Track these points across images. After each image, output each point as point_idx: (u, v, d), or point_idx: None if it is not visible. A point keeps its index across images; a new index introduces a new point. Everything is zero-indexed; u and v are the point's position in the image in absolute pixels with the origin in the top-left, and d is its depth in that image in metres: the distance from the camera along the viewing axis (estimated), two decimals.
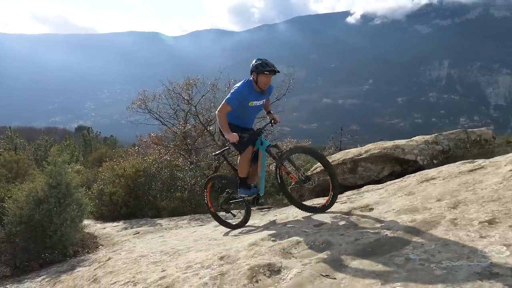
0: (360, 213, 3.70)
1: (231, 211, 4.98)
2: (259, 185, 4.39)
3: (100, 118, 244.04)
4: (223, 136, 4.34)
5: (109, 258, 4.71)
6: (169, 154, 12.76)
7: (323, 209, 3.97)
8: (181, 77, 13.42)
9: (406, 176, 5.16)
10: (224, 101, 4.25)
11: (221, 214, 5.24)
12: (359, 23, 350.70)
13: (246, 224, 4.80)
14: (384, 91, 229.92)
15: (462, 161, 4.71)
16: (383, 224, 3.15)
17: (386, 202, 3.87)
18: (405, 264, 2.32)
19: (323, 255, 2.74)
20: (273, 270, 2.69)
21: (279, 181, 4.27)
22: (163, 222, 7.88)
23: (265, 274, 2.66)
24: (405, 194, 3.92)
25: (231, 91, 4.29)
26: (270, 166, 10.24)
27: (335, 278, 2.34)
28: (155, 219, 8.35)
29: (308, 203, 4.82)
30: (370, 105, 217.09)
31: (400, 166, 6.21)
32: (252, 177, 4.49)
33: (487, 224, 2.64)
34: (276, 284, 2.49)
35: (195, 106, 12.75)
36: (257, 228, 4.35)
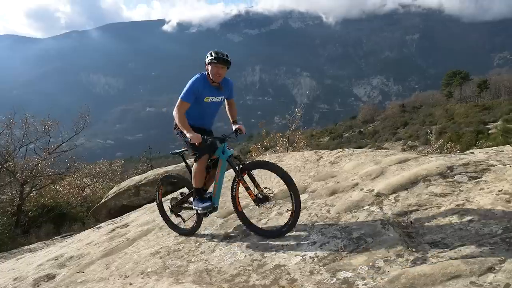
0: (120, 229, 5.72)
1: (182, 215, 4.68)
2: (214, 196, 4.24)
3: None
4: (181, 136, 4.18)
5: None
6: None
7: (283, 231, 3.74)
8: None
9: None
10: (179, 99, 4.01)
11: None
12: (176, 31, 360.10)
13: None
14: None
15: None
16: (127, 235, 5.23)
17: (139, 218, 6.01)
18: (123, 256, 4.42)
19: (82, 261, 4.64)
20: (50, 277, 4.45)
21: (233, 197, 4.09)
22: None
23: (44, 280, 4.39)
24: (151, 212, 6.14)
25: (186, 87, 4.04)
26: None
27: (83, 272, 4.27)
28: None
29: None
30: None
31: (171, 186, 8.53)
32: (208, 183, 4.38)
33: None
34: (50, 284, 4.25)
35: None
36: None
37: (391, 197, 3.69)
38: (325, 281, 2.71)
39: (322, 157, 5.53)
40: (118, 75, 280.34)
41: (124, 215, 7.11)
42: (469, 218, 2.98)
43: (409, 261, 2.64)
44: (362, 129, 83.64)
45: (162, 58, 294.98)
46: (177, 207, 4.64)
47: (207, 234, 4.34)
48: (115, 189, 8.88)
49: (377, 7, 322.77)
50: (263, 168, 3.91)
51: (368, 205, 3.67)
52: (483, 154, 4.46)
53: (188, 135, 3.83)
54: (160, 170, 8.75)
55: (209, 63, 3.92)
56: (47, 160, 12.99)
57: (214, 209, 4.27)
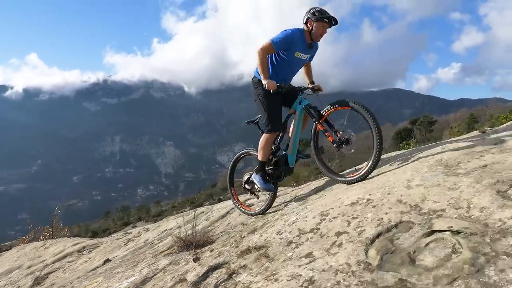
0: None
1: (255, 192, 4.53)
2: (290, 153, 4.07)
3: None
4: (257, 91, 4.09)
5: None
6: None
7: (361, 178, 3.56)
8: None
9: None
10: (268, 40, 3.85)
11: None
12: (22, 97, 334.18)
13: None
14: (57, 171, 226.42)
15: None
16: None
17: None
18: None
19: None
20: None
21: (314, 142, 4.00)
22: None
23: None
24: None
25: (280, 33, 3.91)
26: None
27: None
28: None
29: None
30: (41, 188, 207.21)
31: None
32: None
33: None
34: None
35: None
36: None
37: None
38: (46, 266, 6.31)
39: (45, 244, 9.21)
40: None
41: None
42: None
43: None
44: (221, 197, 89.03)
45: (3, 128, 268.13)
46: (250, 183, 4.50)
47: None
48: None
49: (235, 80, 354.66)
50: (344, 106, 3.72)
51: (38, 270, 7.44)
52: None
53: (264, 81, 3.82)
54: None
55: (316, 20, 3.80)
56: None
57: (290, 170, 4.15)
